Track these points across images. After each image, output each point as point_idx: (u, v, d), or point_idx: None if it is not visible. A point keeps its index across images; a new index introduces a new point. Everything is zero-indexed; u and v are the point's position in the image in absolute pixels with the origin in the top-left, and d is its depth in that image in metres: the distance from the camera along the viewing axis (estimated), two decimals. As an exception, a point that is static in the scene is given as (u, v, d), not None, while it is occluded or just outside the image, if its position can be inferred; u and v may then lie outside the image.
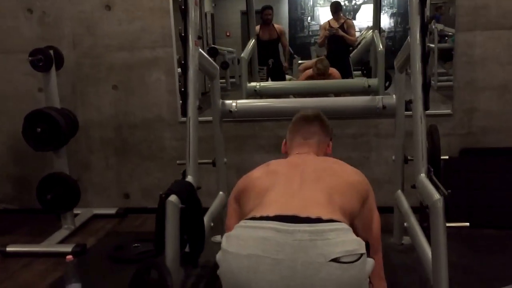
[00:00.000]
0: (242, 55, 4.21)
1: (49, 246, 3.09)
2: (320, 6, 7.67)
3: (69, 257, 2.27)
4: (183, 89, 2.27)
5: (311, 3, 8.05)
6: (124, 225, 3.55)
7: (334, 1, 6.44)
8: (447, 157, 2.74)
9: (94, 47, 3.53)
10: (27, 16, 3.53)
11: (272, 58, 5.06)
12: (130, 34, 3.48)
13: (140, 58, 3.50)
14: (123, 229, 3.48)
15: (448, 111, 3.29)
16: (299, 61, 5.38)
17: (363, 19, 7.54)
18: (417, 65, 2.10)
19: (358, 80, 4.19)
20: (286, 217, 1.33)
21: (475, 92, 3.25)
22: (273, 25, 5.18)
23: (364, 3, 7.75)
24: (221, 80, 2.90)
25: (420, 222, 2.32)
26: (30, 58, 3.10)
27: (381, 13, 5.30)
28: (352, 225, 1.45)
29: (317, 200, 1.42)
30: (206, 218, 2.34)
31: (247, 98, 3.96)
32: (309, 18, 8.04)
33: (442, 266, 1.79)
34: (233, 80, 4.74)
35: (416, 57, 2.11)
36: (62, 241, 3.18)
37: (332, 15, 5.21)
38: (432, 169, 2.06)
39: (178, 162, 2.89)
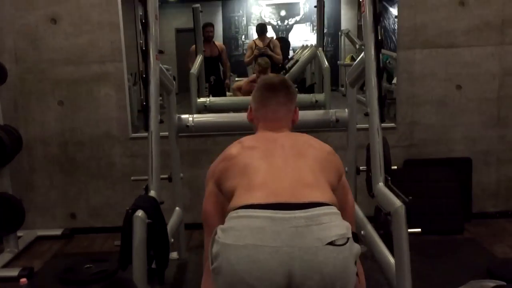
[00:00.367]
0: (191, 71, 4.24)
1: (-7, 271, 2.90)
2: (254, 25, 7.84)
3: (23, 280, 2.17)
4: (144, 103, 2.25)
5: (245, 22, 8.24)
6: (71, 246, 3.41)
7: (260, 23, 6.75)
8: (395, 167, 2.88)
9: (38, 61, 3.40)
10: (-34, 28, 3.35)
11: (214, 75, 5.11)
12: (77, 49, 3.38)
13: (88, 73, 3.41)
14: (71, 250, 3.34)
15: (392, 125, 3.47)
16: (236, 79, 5.48)
17: (296, 38, 7.83)
18: (373, 80, 2.22)
19: (306, 96, 4.32)
20: (280, 204, 1.34)
21: (416, 106, 3.45)
22: (214, 42, 5.25)
23: (296, 23, 8.05)
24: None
25: (376, 229, 2.42)
26: (-30, 72, 2.95)
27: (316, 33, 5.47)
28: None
29: (306, 181, 1.43)
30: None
31: (197, 113, 3.95)
32: (243, 36, 8.22)
33: (405, 270, 1.88)
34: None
35: (371, 72, 2.23)
36: (6, 265, 3.01)
37: (259, 35, 5.40)
38: (389, 178, 2.17)
39: (132, 178, 2.85)
